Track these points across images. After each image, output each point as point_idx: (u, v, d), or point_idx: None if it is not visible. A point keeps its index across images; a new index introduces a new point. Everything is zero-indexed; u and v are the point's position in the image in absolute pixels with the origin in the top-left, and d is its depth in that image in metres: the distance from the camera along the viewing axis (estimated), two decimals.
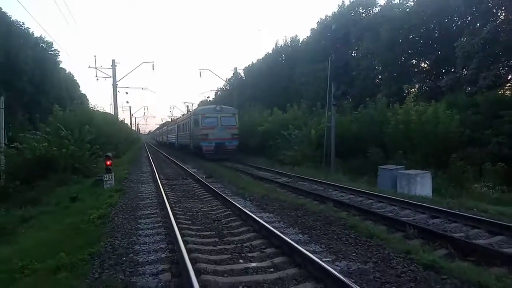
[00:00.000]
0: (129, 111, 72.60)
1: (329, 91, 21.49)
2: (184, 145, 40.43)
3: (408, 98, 21.76)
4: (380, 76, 32.46)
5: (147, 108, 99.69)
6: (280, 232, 9.23)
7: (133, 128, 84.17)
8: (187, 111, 51.40)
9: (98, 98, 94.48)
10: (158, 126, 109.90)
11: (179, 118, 48.37)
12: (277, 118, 32.00)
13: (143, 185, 16.59)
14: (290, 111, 31.82)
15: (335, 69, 20.74)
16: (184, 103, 75.41)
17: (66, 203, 13.59)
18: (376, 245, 8.53)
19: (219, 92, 71.59)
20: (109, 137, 29.19)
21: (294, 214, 11.15)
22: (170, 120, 73.61)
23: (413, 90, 28.69)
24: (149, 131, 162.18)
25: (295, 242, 8.41)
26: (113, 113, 38.36)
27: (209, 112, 33.89)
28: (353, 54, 35.15)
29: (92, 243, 8.96)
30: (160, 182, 16.90)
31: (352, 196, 13.88)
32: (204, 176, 18.77)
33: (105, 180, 15.80)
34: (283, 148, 27.09)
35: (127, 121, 71.60)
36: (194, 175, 18.83)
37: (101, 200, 13.13)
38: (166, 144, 61.68)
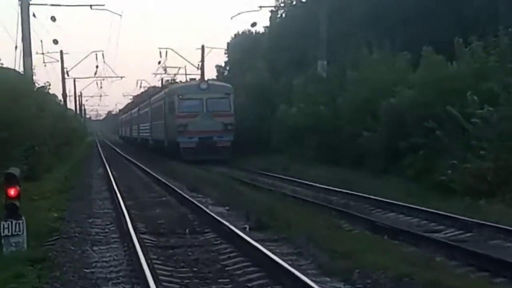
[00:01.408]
0: (60, 64, 44.98)
1: None
2: (160, 143, 33.22)
3: None
4: None
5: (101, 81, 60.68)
6: None
7: (74, 110, 62.59)
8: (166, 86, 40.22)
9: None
10: (126, 107, 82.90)
11: (156, 97, 38.38)
12: (434, 76, 16.43)
13: (95, 249, 9.01)
14: (465, 56, 15.92)
15: None
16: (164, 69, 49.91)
17: None
18: None
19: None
20: (13, 129, 14.13)
21: None
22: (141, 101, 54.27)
23: None
24: (108, 114, 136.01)
25: None
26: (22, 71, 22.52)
27: (190, 91, 27.62)
28: None
29: None
30: (139, 242, 8.47)
31: None
32: (248, 226, 10.42)
33: (5, 236, 8.16)
34: (451, 149, 14.39)
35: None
36: (221, 219, 10.44)
37: None
38: (137, 142, 49.36)
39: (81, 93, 73.27)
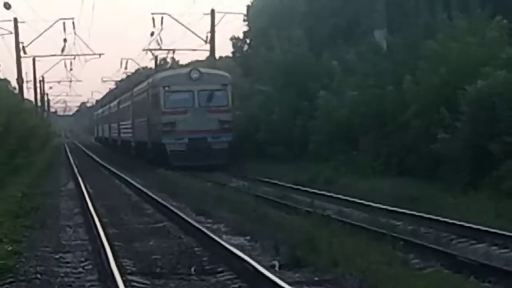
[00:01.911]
0: (14, 36, 46.26)
1: None
2: (144, 145, 35.94)
3: None
4: None
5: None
6: None
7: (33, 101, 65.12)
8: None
9: None
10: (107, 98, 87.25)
11: (139, 87, 40.87)
12: None
13: None
14: None
15: None
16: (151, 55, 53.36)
17: None
18: None
19: None
20: None
21: None
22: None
23: None
24: (81, 107, 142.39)
25: None
26: None
27: (178, 81, 30.36)
28: None
29: None
30: (126, 287, 8.75)
31: None
32: (277, 263, 10.63)
33: None
34: None
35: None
36: (241, 253, 10.39)
37: None
38: (117, 145, 51.87)
39: (43, 77, 73.62)
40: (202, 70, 31.04)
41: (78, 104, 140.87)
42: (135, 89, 41.30)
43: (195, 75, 29.75)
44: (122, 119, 47.74)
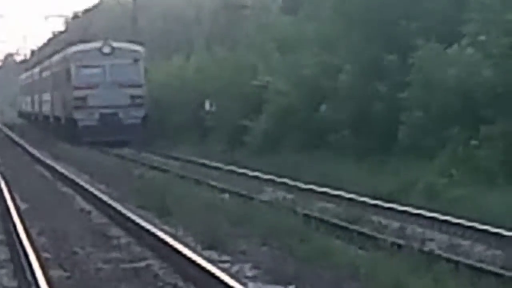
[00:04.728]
0: None
1: None
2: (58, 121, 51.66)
3: None
4: None
5: None
6: None
7: None
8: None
9: None
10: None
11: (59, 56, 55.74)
12: None
13: None
14: None
15: None
16: None
17: None
18: None
19: None
20: None
21: None
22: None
23: None
24: (6, 59, 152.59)
25: None
26: None
27: (89, 55, 42.78)
28: None
29: None
30: None
31: None
32: None
33: None
34: None
35: None
36: None
37: None
38: (38, 121, 69.62)
39: None
40: (114, 44, 41.87)
41: (0, 57, 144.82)
42: (56, 57, 55.14)
43: (106, 50, 41.08)
44: (43, 90, 63.35)
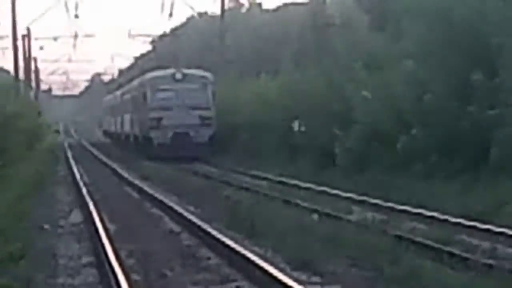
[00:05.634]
0: None
1: None
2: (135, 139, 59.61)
3: None
4: None
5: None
6: None
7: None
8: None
9: None
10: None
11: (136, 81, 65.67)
12: None
13: None
14: None
15: None
16: None
17: None
18: None
19: None
20: None
21: None
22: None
23: None
24: (93, 79, 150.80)
25: None
26: None
27: (164, 80, 50.07)
28: None
29: None
30: None
31: None
32: None
33: None
34: None
35: None
36: None
37: None
38: (122, 140, 76.05)
39: (28, 29, 79.61)
40: (185, 71, 48.19)
41: (88, 77, 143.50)
42: (133, 83, 63.72)
43: (178, 76, 47.71)
44: (125, 111, 70.16)
